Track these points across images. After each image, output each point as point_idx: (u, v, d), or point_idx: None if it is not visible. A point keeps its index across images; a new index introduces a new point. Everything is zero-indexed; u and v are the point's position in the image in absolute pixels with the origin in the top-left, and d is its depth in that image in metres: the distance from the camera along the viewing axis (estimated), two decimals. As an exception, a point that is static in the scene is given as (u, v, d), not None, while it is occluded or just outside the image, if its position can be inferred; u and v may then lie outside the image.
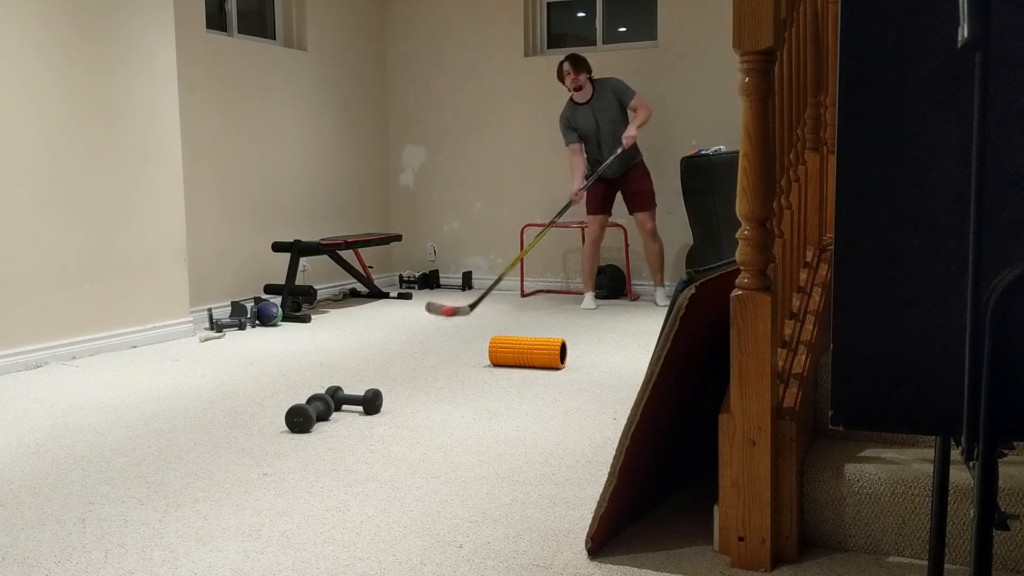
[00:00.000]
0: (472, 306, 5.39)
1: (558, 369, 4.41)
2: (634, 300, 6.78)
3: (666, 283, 6.49)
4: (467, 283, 7.58)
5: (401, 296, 7.06)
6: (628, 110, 6.24)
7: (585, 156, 6.35)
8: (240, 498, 2.70)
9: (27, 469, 3.01)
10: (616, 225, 6.76)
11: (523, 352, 4.43)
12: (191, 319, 5.57)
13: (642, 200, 6.30)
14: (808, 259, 2.86)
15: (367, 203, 7.68)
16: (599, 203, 6.35)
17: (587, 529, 2.35)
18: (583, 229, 7.10)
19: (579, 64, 6.17)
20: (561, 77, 6.23)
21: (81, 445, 3.27)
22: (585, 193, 6.24)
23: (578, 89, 6.20)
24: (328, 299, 7.09)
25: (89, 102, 4.93)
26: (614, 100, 6.20)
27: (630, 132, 6.09)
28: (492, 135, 7.53)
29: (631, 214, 6.42)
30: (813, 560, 2.19)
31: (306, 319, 5.98)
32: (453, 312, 5.30)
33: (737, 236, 2.14)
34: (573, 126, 6.28)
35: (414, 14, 7.71)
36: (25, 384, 4.27)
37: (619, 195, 6.44)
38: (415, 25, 7.71)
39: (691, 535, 2.36)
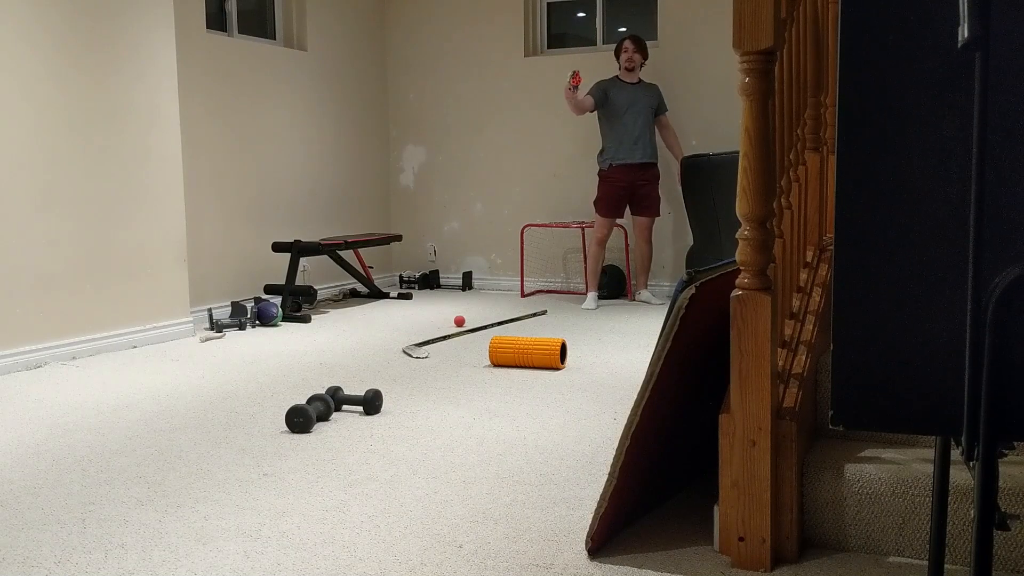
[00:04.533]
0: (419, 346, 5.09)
1: (558, 369, 4.41)
2: (634, 300, 6.78)
3: (649, 284, 6.84)
4: (467, 283, 7.57)
5: (401, 296, 7.06)
6: (657, 117, 6.51)
7: (599, 124, 6.53)
8: (240, 498, 2.70)
9: (27, 469, 3.01)
10: (617, 226, 6.76)
11: (523, 352, 4.43)
12: (191, 319, 5.57)
13: (649, 206, 6.47)
14: (808, 259, 2.86)
15: (367, 203, 7.68)
16: (613, 206, 6.44)
17: (587, 529, 2.35)
18: (583, 229, 7.11)
19: (640, 46, 6.41)
20: (619, 52, 6.43)
21: (81, 445, 3.27)
22: (574, 89, 6.27)
23: (630, 69, 6.40)
24: (328, 299, 7.09)
25: (89, 102, 4.93)
26: (653, 101, 6.46)
27: (679, 154, 6.51)
28: (492, 135, 7.53)
29: (634, 216, 6.48)
30: (813, 560, 2.19)
31: (306, 319, 5.98)
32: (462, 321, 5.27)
33: (737, 236, 2.14)
34: (603, 96, 6.43)
35: (414, 14, 7.71)
36: (25, 384, 4.27)
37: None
38: (415, 25, 7.71)
39: (691, 535, 2.36)
